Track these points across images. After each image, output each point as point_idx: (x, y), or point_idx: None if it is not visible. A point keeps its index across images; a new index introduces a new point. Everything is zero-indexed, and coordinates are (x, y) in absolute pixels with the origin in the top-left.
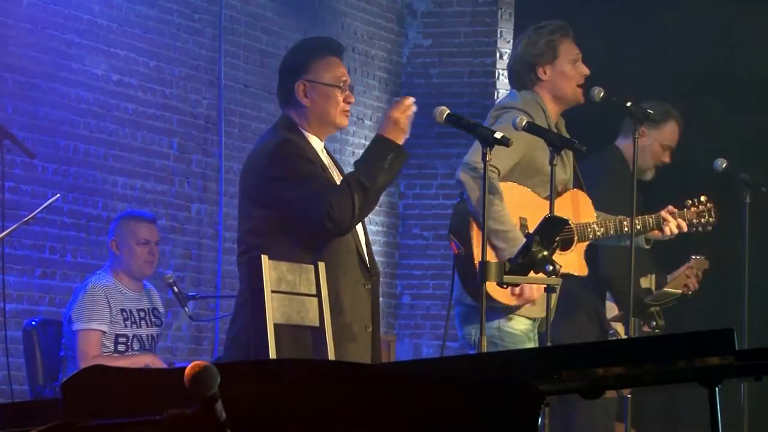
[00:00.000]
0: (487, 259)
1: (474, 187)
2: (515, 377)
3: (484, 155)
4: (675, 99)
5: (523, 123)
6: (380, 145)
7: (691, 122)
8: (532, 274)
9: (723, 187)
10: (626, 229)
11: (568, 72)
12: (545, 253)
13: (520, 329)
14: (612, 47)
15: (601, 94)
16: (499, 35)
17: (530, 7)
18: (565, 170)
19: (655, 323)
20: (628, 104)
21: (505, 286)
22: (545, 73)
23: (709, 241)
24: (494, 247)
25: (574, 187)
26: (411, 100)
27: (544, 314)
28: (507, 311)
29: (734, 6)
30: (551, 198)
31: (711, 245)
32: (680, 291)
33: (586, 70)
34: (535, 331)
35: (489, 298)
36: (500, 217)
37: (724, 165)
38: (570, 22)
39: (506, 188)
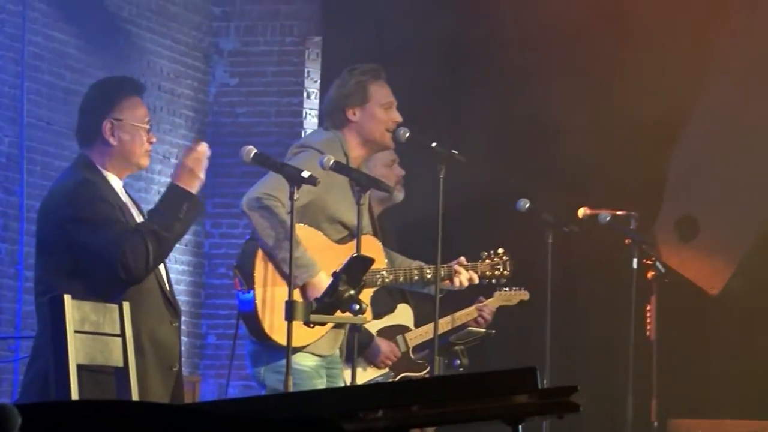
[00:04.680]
0: (276, 293)
1: (259, 218)
2: (318, 416)
3: (291, 194)
4: (482, 139)
5: (330, 162)
6: (175, 195)
7: (496, 163)
8: (338, 313)
9: (526, 227)
10: (416, 278)
11: (378, 115)
12: (352, 292)
13: (309, 365)
14: (419, 88)
15: (407, 135)
16: (306, 75)
17: (337, 48)
18: (361, 215)
19: (459, 362)
20: (434, 144)
21: (311, 326)
22: (354, 114)
23: (513, 280)
24: (287, 276)
25: (368, 233)
26: (204, 145)
27: (331, 352)
28: (293, 350)
29: (531, 59)
30: (357, 236)
31: (515, 285)
32: (484, 330)
33: (398, 117)
34: (331, 367)
35: (267, 337)
36: (288, 245)
37: (527, 205)
38: (376, 62)
39: (297, 230)
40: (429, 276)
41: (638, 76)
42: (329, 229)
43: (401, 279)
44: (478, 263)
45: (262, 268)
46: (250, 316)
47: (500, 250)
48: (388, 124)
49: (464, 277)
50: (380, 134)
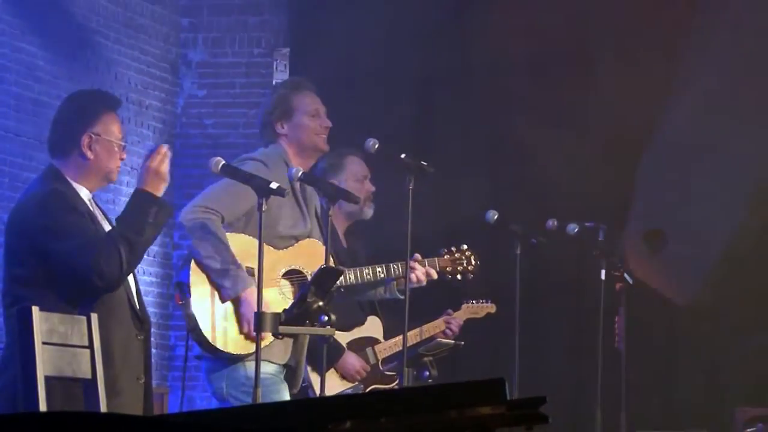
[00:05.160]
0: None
1: (195, 229)
2: (287, 428)
3: (260, 205)
4: (446, 154)
5: (299, 174)
6: (141, 200)
7: (463, 175)
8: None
9: (495, 239)
10: (368, 276)
11: (305, 123)
12: (320, 303)
13: (269, 372)
14: (385, 98)
15: (376, 146)
16: (274, 87)
17: (305, 59)
18: (305, 223)
19: (428, 373)
20: (403, 156)
21: (281, 337)
22: (282, 128)
23: (482, 291)
24: (218, 286)
25: (312, 238)
26: (165, 147)
27: (284, 360)
28: (239, 359)
29: (501, 75)
30: (326, 248)
31: (483, 295)
32: (452, 342)
33: (327, 122)
34: (284, 374)
35: (215, 349)
36: (220, 255)
37: (495, 216)
38: (343, 75)
39: (234, 239)
40: (382, 275)
41: (605, 90)
42: (274, 237)
43: (352, 279)
44: (436, 258)
45: (196, 280)
46: (193, 329)
47: (463, 246)
48: (318, 129)
49: (420, 272)
50: (310, 140)
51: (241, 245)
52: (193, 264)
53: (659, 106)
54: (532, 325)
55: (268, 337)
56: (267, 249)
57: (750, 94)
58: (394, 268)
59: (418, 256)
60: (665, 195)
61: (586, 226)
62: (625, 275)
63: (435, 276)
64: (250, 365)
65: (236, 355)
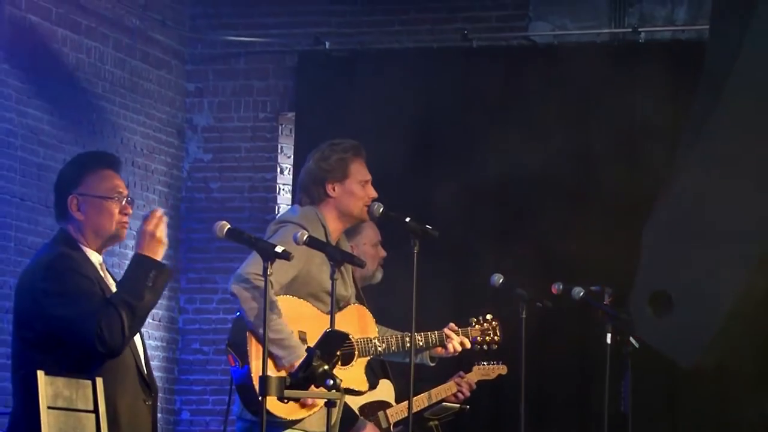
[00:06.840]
0: (268, 371)
1: (248, 298)
2: None
3: (265, 269)
4: (451, 216)
5: (305, 237)
6: (140, 264)
7: (468, 239)
8: (312, 388)
9: (500, 302)
10: (408, 345)
11: (356, 192)
12: (326, 367)
13: None
14: (389, 162)
15: (381, 210)
16: (279, 150)
17: (310, 124)
18: (345, 287)
19: None
20: (407, 219)
21: (285, 401)
22: (334, 190)
23: (489, 353)
24: (273, 356)
25: (356, 303)
26: (161, 210)
27: (322, 429)
28: (287, 425)
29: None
30: (332, 312)
31: (490, 359)
32: (458, 405)
33: (374, 193)
34: None
35: (267, 412)
36: (275, 326)
37: (501, 280)
38: (348, 138)
39: (285, 302)
40: (421, 343)
41: (610, 158)
42: (319, 299)
43: (393, 347)
44: (469, 329)
45: (255, 343)
46: (246, 389)
47: (489, 316)
48: (365, 199)
49: (456, 342)
50: (359, 210)
51: (290, 308)
52: (251, 334)
53: (665, 169)
54: (537, 388)
55: (313, 406)
56: (314, 311)
57: (756, 155)
58: (431, 338)
59: (453, 325)
60: (671, 257)
61: (591, 289)
62: (631, 339)
63: (468, 346)
64: None
65: (284, 420)
